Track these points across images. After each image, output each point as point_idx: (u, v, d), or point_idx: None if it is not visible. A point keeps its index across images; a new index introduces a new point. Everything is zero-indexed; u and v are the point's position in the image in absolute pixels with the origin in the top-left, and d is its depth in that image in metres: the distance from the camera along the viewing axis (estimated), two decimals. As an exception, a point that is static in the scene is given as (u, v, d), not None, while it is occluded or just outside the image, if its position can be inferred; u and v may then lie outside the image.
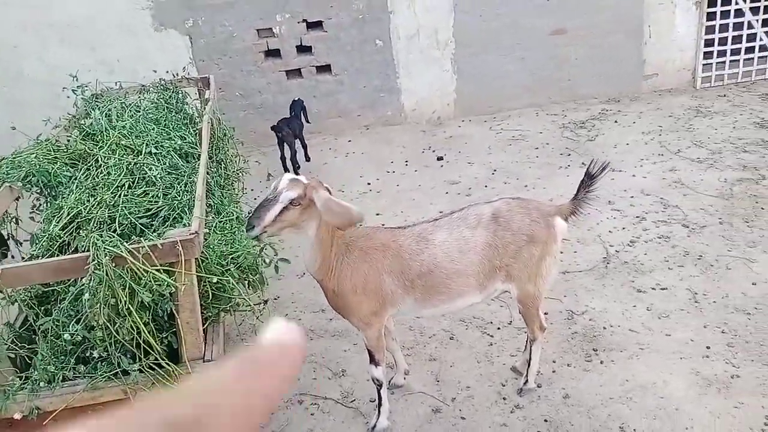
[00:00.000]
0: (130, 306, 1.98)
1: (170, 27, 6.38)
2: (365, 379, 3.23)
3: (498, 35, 6.74)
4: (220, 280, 2.24)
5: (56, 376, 2.14)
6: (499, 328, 3.52)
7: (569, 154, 5.84)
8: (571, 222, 2.77)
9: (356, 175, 5.91)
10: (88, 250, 2.02)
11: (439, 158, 6.04)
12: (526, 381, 2.98)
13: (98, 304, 1.95)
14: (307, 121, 6.29)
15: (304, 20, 6.57)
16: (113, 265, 1.95)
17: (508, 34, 6.76)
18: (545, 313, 3.07)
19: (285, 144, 5.89)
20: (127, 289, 1.97)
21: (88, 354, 2.20)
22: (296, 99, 6.36)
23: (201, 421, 0.38)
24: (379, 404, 2.85)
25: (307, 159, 6.41)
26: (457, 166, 5.84)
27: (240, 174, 3.84)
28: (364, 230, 2.64)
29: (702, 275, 3.81)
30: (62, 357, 2.19)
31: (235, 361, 0.43)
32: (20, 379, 2.16)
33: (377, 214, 5.00)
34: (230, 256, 2.33)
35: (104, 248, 1.95)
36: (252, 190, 4.64)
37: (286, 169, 5.95)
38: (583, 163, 5.56)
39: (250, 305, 2.47)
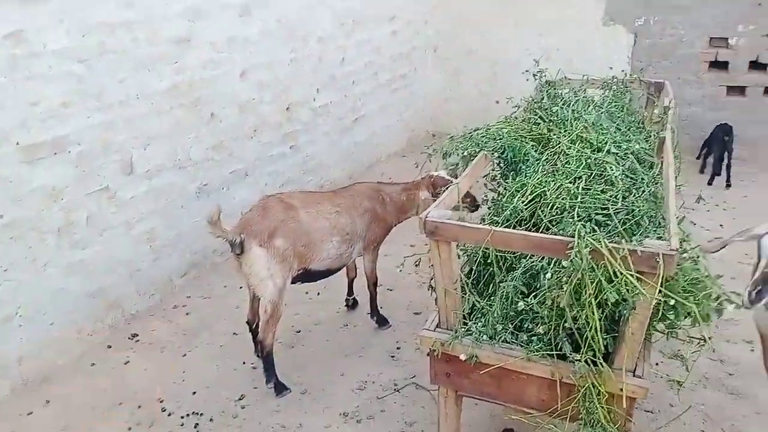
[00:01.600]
0: (592, 300, 2.04)
1: (619, 23, 6.32)
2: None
3: None
4: (677, 303, 2.14)
5: (499, 335, 2.37)
6: None
7: None
8: None
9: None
10: (569, 236, 2.13)
11: None
12: None
13: (567, 290, 2.05)
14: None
15: (771, 35, 5.77)
16: (590, 257, 2.02)
17: None
18: None
19: (723, 148, 5.74)
20: (596, 283, 2.02)
21: (528, 326, 2.37)
22: (723, 123, 5.79)
23: None
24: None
25: (728, 185, 5.76)
26: None
27: (679, 189, 3.61)
28: None
29: None
30: (505, 320, 2.41)
31: None
32: (466, 326, 2.46)
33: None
34: (695, 283, 2.21)
35: (587, 240, 2.03)
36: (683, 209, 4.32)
37: (716, 170, 5.89)
38: None
39: (688, 337, 2.33)
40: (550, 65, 4.02)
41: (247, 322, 3.71)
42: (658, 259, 1.94)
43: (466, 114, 7.09)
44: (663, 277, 1.97)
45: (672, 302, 2.12)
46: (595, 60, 5.88)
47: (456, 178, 3.06)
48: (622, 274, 1.98)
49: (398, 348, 3.86)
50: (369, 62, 6.45)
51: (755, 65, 5.94)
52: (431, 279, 2.56)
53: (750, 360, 3.45)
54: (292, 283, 3.47)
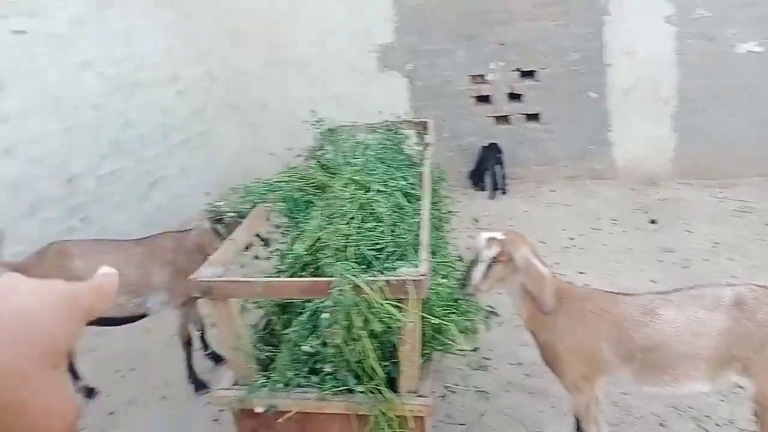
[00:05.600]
0: (361, 332, 2.18)
1: (393, 69, 6.89)
2: (561, 443, 3.15)
3: (728, 95, 6.22)
4: (441, 321, 2.36)
5: (292, 381, 2.41)
6: (718, 425, 3.18)
7: (808, 235, 5.14)
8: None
9: (558, 227, 5.80)
10: (331, 275, 2.26)
11: (652, 221, 5.69)
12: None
13: (336, 325, 2.17)
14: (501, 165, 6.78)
15: (518, 69, 6.68)
16: (352, 293, 2.16)
17: (740, 94, 6.20)
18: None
19: (495, 165, 6.58)
20: (361, 316, 2.17)
21: (318, 366, 2.45)
22: (491, 143, 6.78)
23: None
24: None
25: (504, 191, 6.77)
26: (672, 233, 5.44)
27: (449, 215, 3.99)
28: (582, 290, 2.61)
29: None
30: (297, 365, 2.46)
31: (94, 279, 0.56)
32: (261, 378, 2.47)
33: (580, 273, 4.83)
34: (450, 300, 2.46)
35: (346, 277, 2.17)
36: (460, 232, 4.77)
37: (494, 185, 6.72)
38: (831, 251, 4.87)
39: (461, 349, 2.57)
40: (342, 112, 4.28)
41: None
42: (408, 285, 2.14)
43: (270, 166, 7.15)
44: (418, 300, 2.17)
45: (435, 321, 2.34)
46: (379, 104, 6.32)
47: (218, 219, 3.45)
48: (381, 304, 2.14)
49: (221, 410, 3.72)
50: (157, 124, 6.29)
51: (512, 96, 6.82)
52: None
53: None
54: (90, 324, 3.33)
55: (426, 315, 2.26)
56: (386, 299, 2.16)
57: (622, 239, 5.44)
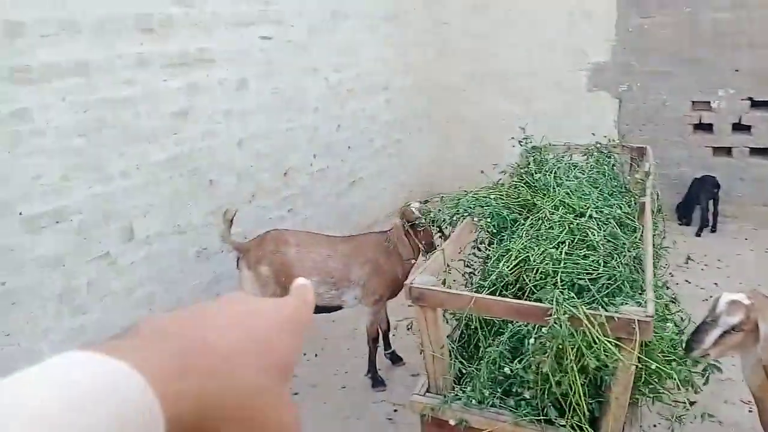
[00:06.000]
0: (574, 365, 2.10)
1: (603, 89, 6.57)
2: None
3: None
4: (658, 367, 2.19)
5: (487, 400, 2.41)
6: None
7: None
8: None
9: (777, 276, 5.10)
10: (539, 300, 2.21)
11: None
12: None
13: (547, 355, 2.11)
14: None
15: (749, 98, 5.99)
16: (569, 324, 2.09)
17: None
18: None
19: (710, 199, 6.06)
20: (576, 349, 2.09)
21: (514, 390, 2.41)
22: (706, 175, 6.15)
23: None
24: None
25: (713, 229, 6.15)
26: None
27: (663, 251, 3.69)
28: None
29: None
30: (493, 385, 2.45)
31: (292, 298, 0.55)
32: (455, 392, 2.50)
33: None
34: (672, 347, 2.27)
35: (565, 306, 2.10)
36: (670, 270, 4.40)
37: (704, 222, 6.15)
38: None
39: (675, 401, 2.37)
40: (538, 129, 4.18)
41: None
42: (634, 326, 2.01)
43: (457, 177, 7.27)
44: (640, 342, 2.03)
45: (653, 366, 2.18)
46: (582, 124, 6.09)
47: (428, 216, 3.59)
48: (600, 340, 2.04)
49: (395, 410, 3.86)
50: (365, 129, 6.68)
51: (738, 126, 6.14)
52: (420, 343, 2.62)
53: (748, 420, 3.45)
54: None
55: (646, 359, 2.11)
56: (605, 335, 2.05)
57: None
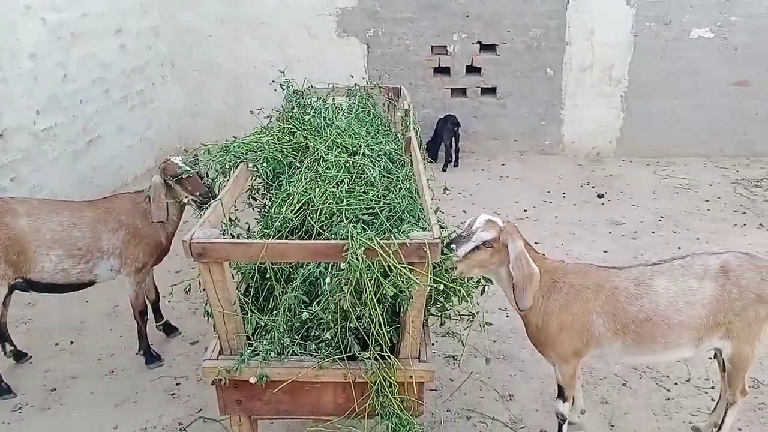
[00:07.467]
0: (373, 296, 2.09)
1: (351, 35, 6.70)
2: (533, 408, 3.21)
3: (676, 79, 6.49)
4: (447, 286, 2.30)
5: (287, 349, 2.30)
6: (676, 384, 3.35)
7: (744, 213, 5.49)
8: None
9: (511, 200, 5.90)
10: (341, 239, 2.15)
11: (600, 195, 5.90)
12: (716, 443, 2.82)
13: (348, 291, 2.07)
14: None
15: (479, 42, 6.68)
16: (365, 257, 2.06)
17: (687, 79, 6.49)
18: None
19: (452, 136, 6.60)
20: (373, 280, 2.08)
21: (314, 334, 2.34)
22: (448, 114, 6.70)
23: None
24: (561, 439, 2.80)
25: (456, 164, 6.78)
26: (620, 207, 5.67)
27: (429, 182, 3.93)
28: (574, 266, 2.62)
29: None
30: (291, 332, 2.34)
31: None
32: (251, 347, 2.34)
33: (536, 243, 4.91)
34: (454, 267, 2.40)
35: (360, 240, 2.07)
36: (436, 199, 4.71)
37: (448, 157, 6.73)
38: (761, 225, 5.21)
39: (459, 316, 2.54)
40: (294, 75, 4.08)
41: None
42: (425, 249, 2.06)
43: (214, 128, 6.86)
44: (431, 264, 2.11)
45: (441, 287, 2.28)
46: (335, 69, 6.14)
47: (195, 167, 3.36)
48: (395, 267, 2.06)
49: (177, 384, 3.53)
50: (97, 78, 5.83)
51: (471, 69, 6.81)
52: (206, 304, 2.38)
53: (507, 325, 3.92)
54: (19, 290, 3.36)
55: (438, 279, 2.19)
56: (400, 263, 2.08)
57: (572, 212, 5.60)
